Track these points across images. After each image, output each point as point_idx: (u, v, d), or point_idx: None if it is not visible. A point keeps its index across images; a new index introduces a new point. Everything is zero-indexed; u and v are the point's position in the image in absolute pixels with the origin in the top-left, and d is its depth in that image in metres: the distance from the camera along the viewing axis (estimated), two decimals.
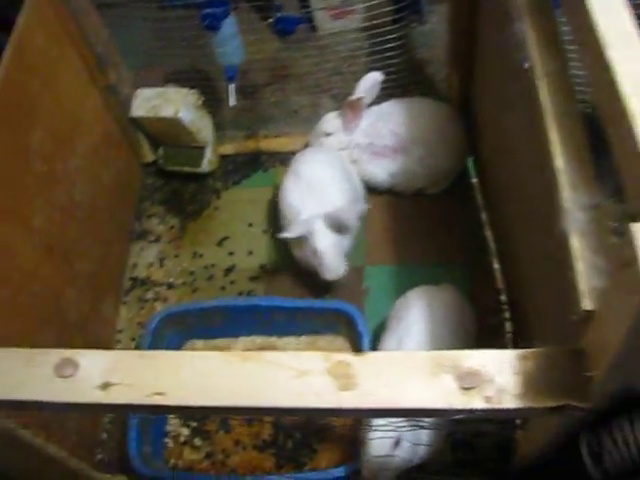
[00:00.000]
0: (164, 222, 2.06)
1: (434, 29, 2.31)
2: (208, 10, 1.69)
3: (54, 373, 0.88)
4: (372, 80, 1.81)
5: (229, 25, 1.72)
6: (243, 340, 1.77)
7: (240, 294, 1.87)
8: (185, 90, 1.94)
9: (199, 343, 1.78)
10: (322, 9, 2.15)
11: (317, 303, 1.71)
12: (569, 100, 0.96)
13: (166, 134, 2.00)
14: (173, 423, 1.67)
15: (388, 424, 1.16)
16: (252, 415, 1.30)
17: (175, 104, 1.90)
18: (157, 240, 2.03)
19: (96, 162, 1.82)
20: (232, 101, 1.83)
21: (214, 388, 0.84)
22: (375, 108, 1.89)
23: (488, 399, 0.82)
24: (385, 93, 1.90)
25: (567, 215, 0.85)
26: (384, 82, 1.86)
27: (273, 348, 1.75)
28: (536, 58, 1.02)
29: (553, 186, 0.90)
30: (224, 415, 1.51)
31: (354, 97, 1.79)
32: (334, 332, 1.72)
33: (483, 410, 0.82)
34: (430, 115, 1.86)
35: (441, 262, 1.85)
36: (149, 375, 0.86)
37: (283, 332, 1.75)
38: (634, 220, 0.64)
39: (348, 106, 1.82)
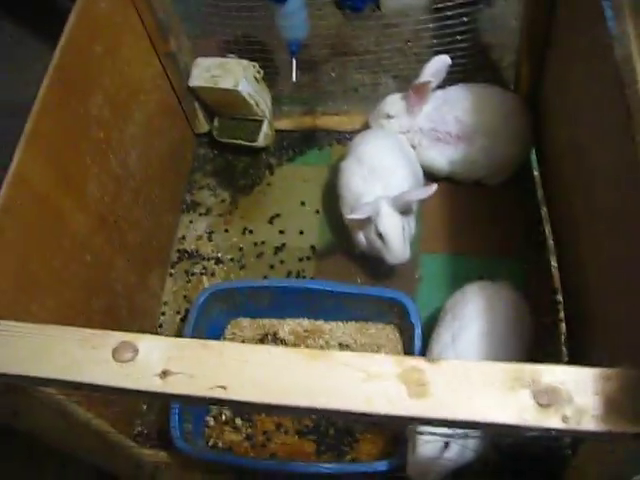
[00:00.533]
0: (215, 195, 2.03)
1: (502, 13, 2.24)
2: None
3: (112, 357, 0.85)
4: (440, 63, 1.74)
5: None
6: (290, 322, 1.74)
7: (289, 274, 1.84)
8: (246, 62, 1.90)
9: (245, 321, 1.76)
10: None
11: (370, 290, 1.67)
12: None
13: (223, 105, 1.97)
14: None
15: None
16: (317, 415, 1.27)
17: (235, 75, 1.86)
18: (207, 213, 2.00)
19: (151, 130, 1.79)
20: (295, 76, 1.78)
21: (279, 385, 0.81)
22: (439, 92, 1.83)
23: (566, 419, 0.78)
24: (448, 77, 1.83)
25: None
26: (450, 65, 1.79)
27: (320, 332, 1.72)
28: (637, 60, 0.95)
29: None
30: (288, 414, 1.48)
31: (421, 80, 1.73)
32: (384, 321, 1.69)
33: (560, 430, 0.78)
34: (497, 104, 1.80)
35: (497, 255, 1.80)
36: (212, 366, 0.83)
37: (331, 317, 1.72)
38: None
39: (414, 89, 1.76)
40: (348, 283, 1.73)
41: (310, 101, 2.11)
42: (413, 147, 1.84)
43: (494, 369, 0.81)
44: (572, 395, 0.79)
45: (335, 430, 1.59)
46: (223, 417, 1.63)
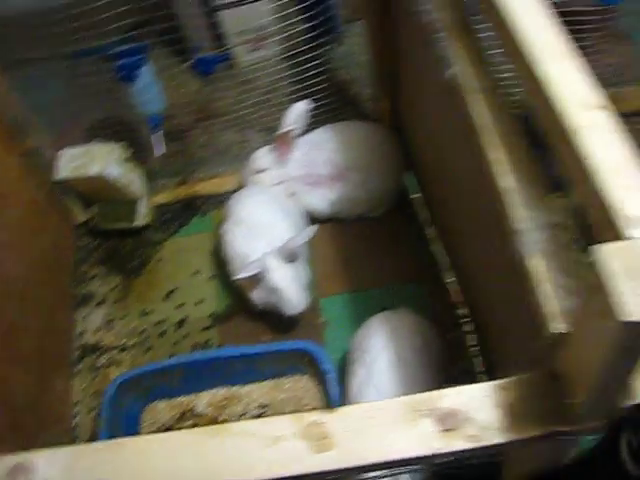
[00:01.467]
0: (106, 283, 1.98)
1: (352, 50, 2.30)
2: (122, 61, 1.64)
3: None
4: (298, 110, 1.77)
5: (146, 74, 1.68)
6: (205, 394, 1.70)
7: (195, 346, 1.81)
8: (111, 144, 1.87)
9: (160, 404, 1.71)
10: (240, 44, 2.11)
11: (276, 346, 1.65)
12: (504, 117, 0.94)
13: (96, 192, 1.93)
14: None
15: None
16: None
17: (101, 161, 1.83)
18: (102, 303, 1.94)
19: (25, 233, 1.74)
20: (158, 150, 1.78)
21: (185, 470, 0.79)
22: (307, 137, 1.85)
23: (471, 438, 0.79)
24: (313, 120, 1.86)
25: (522, 236, 0.82)
26: (311, 109, 1.82)
27: (237, 397, 1.69)
28: (464, 74, 0.99)
29: (501, 206, 0.87)
30: None
31: (283, 130, 1.75)
32: (298, 372, 1.67)
33: (468, 450, 0.79)
34: (364, 138, 1.84)
35: (394, 283, 1.81)
36: (115, 467, 0.80)
37: (245, 380, 1.69)
38: (591, 241, 0.62)
39: (278, 140, 1.78)
40: (254, 343, 1.71)
41: (183, 170, 2.11)
42: (291, 196, 1.86)
43: (392, 405, 0.81)
44: (473, 414, 0.80)
45: None
46: None
